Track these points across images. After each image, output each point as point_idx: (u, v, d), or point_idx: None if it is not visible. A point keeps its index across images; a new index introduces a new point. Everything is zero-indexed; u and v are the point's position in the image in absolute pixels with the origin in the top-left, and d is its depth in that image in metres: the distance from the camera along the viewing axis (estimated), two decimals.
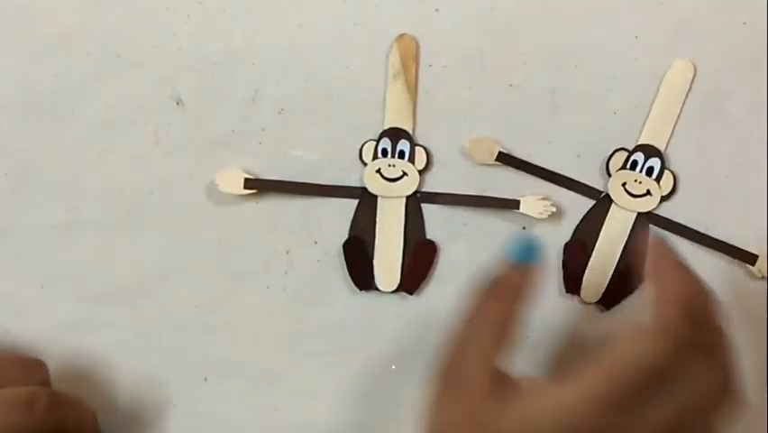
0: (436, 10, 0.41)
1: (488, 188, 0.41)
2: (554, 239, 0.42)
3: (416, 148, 0.41)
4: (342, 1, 0.41)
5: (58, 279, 0.41)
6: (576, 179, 0.42)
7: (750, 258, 0.41)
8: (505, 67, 0.41)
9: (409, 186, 0.41)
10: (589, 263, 0.41)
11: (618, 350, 0.30)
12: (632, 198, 0.41)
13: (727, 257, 0.41)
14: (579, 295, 0.42)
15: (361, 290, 0.41)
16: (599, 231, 0.41)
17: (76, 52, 0.41)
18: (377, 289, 0.41)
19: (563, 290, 0.42)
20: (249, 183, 0.40)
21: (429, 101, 0.41)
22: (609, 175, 0.41)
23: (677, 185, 0.41)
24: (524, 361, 0.42)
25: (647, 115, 0.41)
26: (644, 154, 0.41)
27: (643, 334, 0.30)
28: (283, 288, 0.41)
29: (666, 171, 0.41)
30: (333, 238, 0.41)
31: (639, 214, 0.41)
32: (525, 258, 0.33)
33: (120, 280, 0.41)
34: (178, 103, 0.41)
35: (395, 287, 0.41)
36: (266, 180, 0.41)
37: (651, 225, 0.42)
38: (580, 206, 0.42)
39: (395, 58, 0.41)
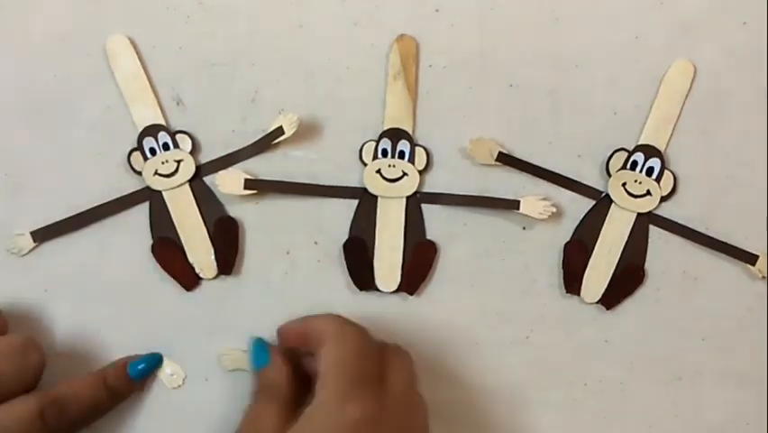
0: (436, 10, 0.41)
1: (488, 188, 0.41)
2: (554, 239, 0.42)
3: (416, 148, 0.41)
4: (342, 1, 0.41)
5: (58, 279, 0.41)
6: (576, 179, 0.42)
7: (750, 258, 0.41)
8: (505, 67, 0.41)
9: (409, 186, 0.41)
10: (589, 263, 0.41)
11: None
12: (632, 199, 0.41)
13: (727, 257, 0.41)
14: (579, 295, 0.42)
15: (361, 290, 0.41)
16: (599, 231, 0.41)
17: (76, 52, 0.41)
18: (377, 289, 0.41)
19: (563, 290, 0.42)
20: (249, 183, 0.40)
21: (429, 101, 0.41)
22: (609, 175, 0.41)
23: (677, 185, 0.41)
24: (524, 361, 0.42)
25: (647, 116, 0.41)
26: (644, 154, 0.41)
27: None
28: (283, 288, 0.41)
29: (666, 171, 0.41)
30: (333, 238, 0.41)
31: (639, 214, 0.41)
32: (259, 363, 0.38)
33: (120, 280, 0.41)
34: (178, 103, 0.41)
35: (395, 287, 0.41)
36: (266, 180, 0.41)
37: (651, 225, 0.42)
38: (580, 206, 0.42)
39: (395, 58, 0.41)
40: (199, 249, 0.41)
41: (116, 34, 0.40)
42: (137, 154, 0.41)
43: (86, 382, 0.38)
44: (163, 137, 0.41)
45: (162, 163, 0.41)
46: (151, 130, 0.41)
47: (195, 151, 0.41)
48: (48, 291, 0.41)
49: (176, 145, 0.41)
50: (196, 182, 0.41)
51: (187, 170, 0.41)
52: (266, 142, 0.40)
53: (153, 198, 0.41)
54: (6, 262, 0.41)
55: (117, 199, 0.41)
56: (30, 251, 0.41)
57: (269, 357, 0.38)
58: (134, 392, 0.40)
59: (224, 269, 0.41)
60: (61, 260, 0.41)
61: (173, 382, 0.40)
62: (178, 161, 0.41)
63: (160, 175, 0.41)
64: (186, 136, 0.41)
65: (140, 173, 0.41)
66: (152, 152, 0.41)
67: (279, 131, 0.40)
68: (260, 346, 0.39)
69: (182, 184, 0.41)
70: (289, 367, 0.37)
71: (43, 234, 0.40)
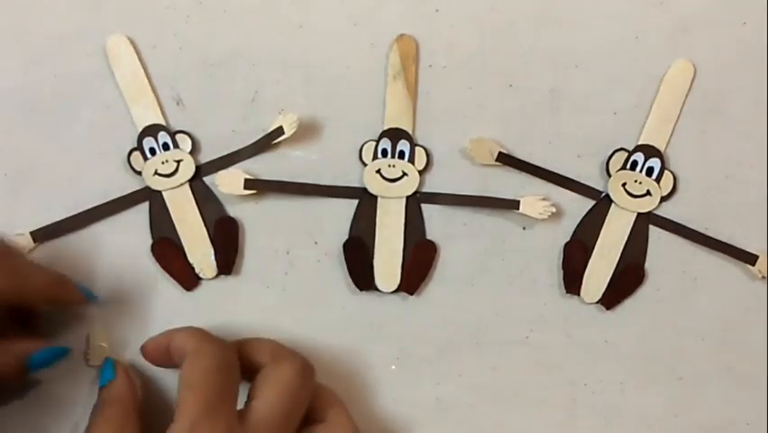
0: (436, 10, 0.41)
1: (488, 188, 0.41)
2: (554, 239, 0.42)
3: (416, 148, 0.41)
4: (342, 1, 0.41)
5: None
6: (576, 179, 0.42)
7: (750, 258, 0.41)
8: (505, 67, 0.41)
9: (409, 186, 0.41)
10: (589, 263, 0.41)
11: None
12: (632, 199, 0.41)
13: (727, 257, 0.41)
14: (579, 295, 0.42)
15: (361, 290, 0.41)
16: (599, 231, 0.41)
17: (76, 52, 0.41)
18: (377, 289, 0.41)
19: (563, 290, 0.42)
20: (249, 183, 0.40)
21: (429, 101, 0.41)
22: (609, 175, 0.41)
23: (677, 185, 0.41)
24: (524, 361, 0.42)
25: (647, 115, 0.41)
26: (644, 154, 0.41)
27: None
28: (283, 288, 0.41)
29: (666, 171, 0.41)
30: (333, 238, 0.41)
31: (639, 214, 0.41)
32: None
33: (120, 281, 0.41)
34: (178, 103, 0.41)
35: (395, 287, 0.41)
36: (266, 180, 0.41)
37: (651, 225, 0.42)
38: (580, 206, 0.42)
39: (395, 58, 0.41)
40: (199, 249, 0.41)
41: (116, 34, 0.40)
42: (137, 154, 0.41)
43: None
44: (163, 137, 0.41)
45: (162, 163, 0.41)
46: (151, 130, 0.41)
47: (195, 151, 0.41)
48: None
49: (176, 145, 0.41)
50: (196, 182, 0.41)
51: (187, 169, 0.41)
52: (266, 142, 0.40)
53: (153, 198, 0.41)
54: None
55: (117, 199, 0.41)
56: (30, 251, 0.41)
57: (114, 374, 0.37)
58: (23, 383, 0.39)
59: (224, 269, 0.41)
60: (61, 260, 0.41)
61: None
62: (178, 161, 0.41)
63: (160, 175, 0.41)
64: (186, 136, 0.41)
65: (140, 173, 0.41)
66: (152, 151, 0.41)
67: (279, 131, 0.40)
68: (108, 364, 0.38)
69: (182, 184, 0.41)
70: (135, 383, 0.37)
71: (43, 234, 0.40)
